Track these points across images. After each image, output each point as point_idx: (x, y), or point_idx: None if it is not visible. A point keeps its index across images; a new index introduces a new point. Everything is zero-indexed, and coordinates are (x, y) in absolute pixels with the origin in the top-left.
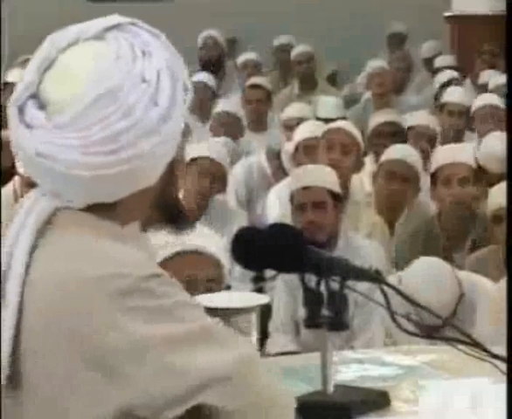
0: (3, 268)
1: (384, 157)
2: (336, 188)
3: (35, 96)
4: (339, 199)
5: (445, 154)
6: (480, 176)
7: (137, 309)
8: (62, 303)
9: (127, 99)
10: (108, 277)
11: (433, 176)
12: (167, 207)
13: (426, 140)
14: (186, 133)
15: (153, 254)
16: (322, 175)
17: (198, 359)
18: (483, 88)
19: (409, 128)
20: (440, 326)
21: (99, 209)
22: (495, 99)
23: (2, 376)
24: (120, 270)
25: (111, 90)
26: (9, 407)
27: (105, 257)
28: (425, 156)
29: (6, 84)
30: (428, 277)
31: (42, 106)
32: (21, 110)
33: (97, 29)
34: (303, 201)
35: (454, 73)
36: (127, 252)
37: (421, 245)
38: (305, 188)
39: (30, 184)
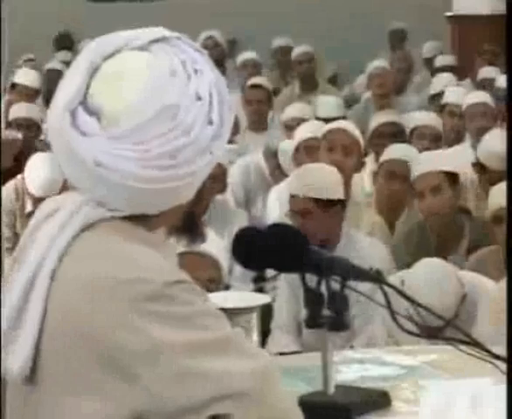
0: (34, 265)
1: (384, 157)
2: (328, 195)
3: (83, 103)
4: (331, 204)
5: (416, 167)
6: (456, 178)
7: (158, 314)
8: (82, 303)
9: (185, 117)
10: (131, 281)
11: (412, 188)
12: (184, 218)
13: (431, 141)
14: None
15: (176, 260)
16: (312, 182)
17: (215, 369)
18: (481, 85)
19: (413, 129)
20: (442, 327)
21: (141, 220)
22: (486, 97)
23: (20, 372)
24: (144, 275)
25: (169, 106)
26: (21, 403)
27: (130, 261)
28: None
29: (14, 85)
30: (431, 279)
31: (92, 113)
32: (73, 115)
33: (144, 40)
34: (292, 208)
35: (452, 77)
36: (152, 257)
37: (415, 246)
38: (292, 196)
39: (38, 200)
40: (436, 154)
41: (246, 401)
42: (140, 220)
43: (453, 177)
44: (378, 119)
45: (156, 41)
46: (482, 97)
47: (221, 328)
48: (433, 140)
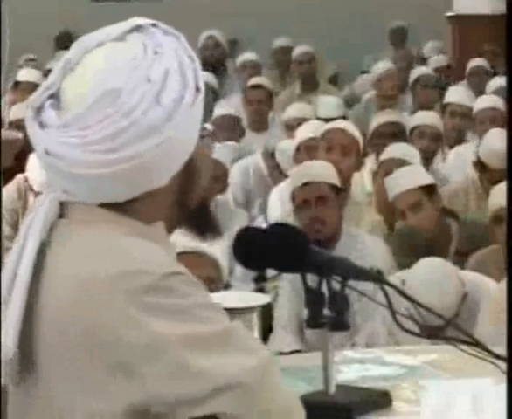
0: (12, 262)
1: (383, 156)
2: (336, 181)
3: (54, 96)
4: (340, 193)
5: (392, 186)
6: (434, 188)
7: (156, 306)
8: (81, 298)
9: (128, 99)
10: (130, 273)
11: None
12: (191, 212)
13: (431, 140)
14: (208, 136)
15: (174, 256)
16: (323, 170)
17: (214, 362)
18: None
19: (413, 128)
20: (442, 327)
21: (116, 208)
22: (498, 102)
23: (10, 371)
24: (141, 267)
25: (113, 89)
26: (19, 401)
27: (126, 254)
28: (430, 156)
29: (17, 83)
30: (431, 278)
31: (57, 106)
32: (38, 110)
33: (120, 31)
34: (306, 197)
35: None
36: (149, 249)
37: (407, 247)
38: (306, 184)
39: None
40: (409, 170)
41: (246, 396)
42: (121, 209)
43: (430, 189)
44: (379, 119)
45: (131, 31)
46: (493, 101)
47: (220, 321)
48: (433, 139)
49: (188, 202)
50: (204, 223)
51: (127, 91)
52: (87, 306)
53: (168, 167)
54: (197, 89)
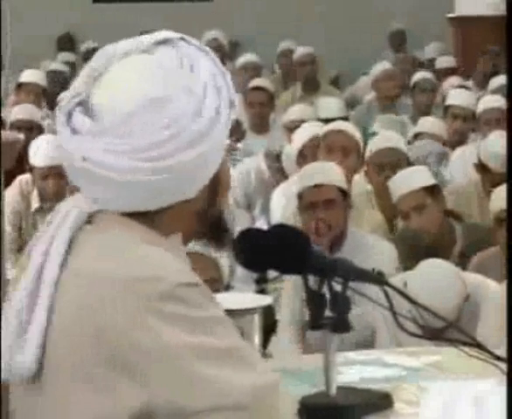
0: (38, 265)
1: (367, 153)
2: (344, 185)
3: (83, 104)
4: (346, 196)
5: (396, 188)
6: (437, 189)
7: (169, 314)
8: (94, 297)
9: (172, 109)
10: (144, 278)
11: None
12: (210, 224)
13: None
14: (231, 150)
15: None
16: (332, 173)
17: (219, 377)
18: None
19: (417, 134)
20: (444, 328)
21: (140, 218)
22: (502, 102)
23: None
24: (157, 273)
25: (155, 99)
26: (25, 401)
27: (142, 260)
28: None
29: (20, 84)
30: (434, 280)
31: (89, 113)
32: (69, 117)
33: (147, 43)
34: (314, 199)
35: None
36: (165, 258)
37: (409, 250)
38: (316, 187)
39: (44, 177)
40: (413, 171)
41: (244, 416)
42: (145, 220)
43: (434, 189)
44: (377, 144)
45: (160, 43)
46: (497, 102)
47: (230, 337)
48: None
49: (209, 214)
50: (221, 234)
51: (170, 102)
52: (100, 306)
53: (200, 179)
54: (231, 103)
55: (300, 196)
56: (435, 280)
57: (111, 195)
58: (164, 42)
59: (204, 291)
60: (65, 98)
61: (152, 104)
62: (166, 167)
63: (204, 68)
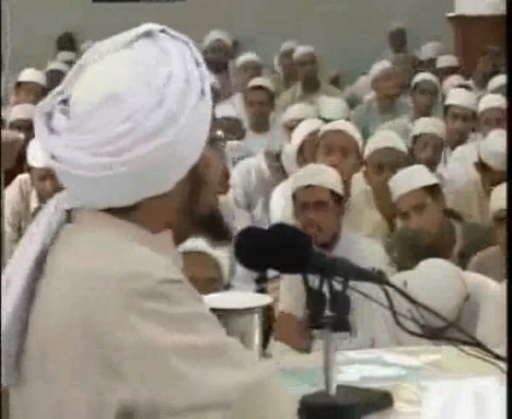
0: (13, 263)
1: (366, 152)
2: (338, 189)
3: (65, 102)
4: (340, 200)
5: (396, 187)
6: (437, 188)
7: (151, 312)
8: (79, 294)
9: (129, 103)
10: (126, 276)
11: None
12: (202, 218)
13: (435, 149)
14: (219, 142)
15: (179, 265)
16: (325, 175)
17: (204, 375)
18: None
19: (416, 136)
20: (444, 327)
21: (118, 214)
22: (503, 101)
23: (4, 371)
24: (139, 270)
25: (115, 93)
26: (18, 398)
27: (126, 257)
28: (434, 163)
29: (19, 83)
30: (434, 279)
31: (66, 112)
32: (49, 115)
33: (129, 37)
34: (305, 200)
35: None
36: (148, 254)
37: (409, 250)
38: (308, 187)
39: (42, 177)
40: (412, 171)
41: (230, 414)
42: (125, 215)
43: (434, 189)
44: (376, 143)
45: (140, 37)
46: (498, 101)
47: (215, 334)
48: (437, 148)
49: (197, 209)
50: (216, 230)
51: (128, 95)
52: (84, 303)
53: (172, 171)
54: (202, 92)
55: (294, 197)
56: (435, 280)
57: (83, 191)
58: (145, 35)
59: (186, 288)
60: (48, 96)
61: (112, 99)
62: (125, 161)
63: (173, 58)
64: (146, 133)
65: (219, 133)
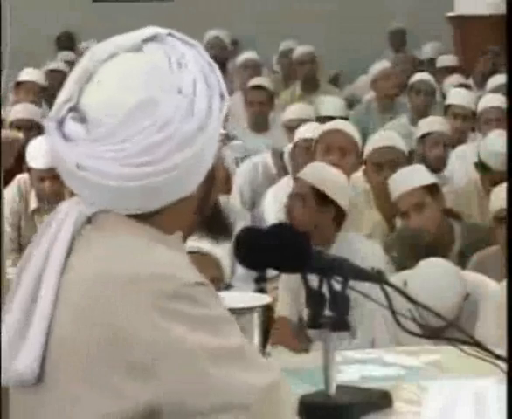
0: (39, 267)
1: (366, 152)
2: (323, 188)
3: (75, 109)
4: (325, 202)
5: (395, 186)
6: (437, 188)
7: (177, 313)
8: (101, 296)
9: (163, 112)
10: (152, 277)
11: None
12: (208, 215)
13: (443, 147)
14: (226, 140)
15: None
16: (317, 172)
17: (227, 377)
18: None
19: (424, 135)
20: (444, 327)
21: (140, 217)
22: (502, 100)
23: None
24: (165, 271)
25: (146, 102)
26: (24, 403)
27: (150, 258)
28: (441, 163)
29: (19, 83)
30: (433, 279)
31: (81, 119)
32: (60, 123)
33: (135, 41)
34: (291, 191)
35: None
36: (172, 256)
37: (409, 249)
38: (295, 179)
39: (41, 178)
40: (412, 170)
41: (249, 415)
42: (146, 219)
43: (434, 188)
44: (376, 142)
45: (148, 40)
46: (497, 101)
47: (236, 337)
48: (444, 145)
49: (207, 209)
50: (218, 226)
51: (161, 103)
52: (107, 304)
53: (197, 175)
54: (222, 96)
55: (294, 183)
56: (435, 279)
57: (107, 199)
58: (152, 39)
59: (210, 291)
60: (56, 104)
61: (142, 108)
62: (160, 170)
63: (192, 64)
64: (180, 142)
65: (223, 132)
